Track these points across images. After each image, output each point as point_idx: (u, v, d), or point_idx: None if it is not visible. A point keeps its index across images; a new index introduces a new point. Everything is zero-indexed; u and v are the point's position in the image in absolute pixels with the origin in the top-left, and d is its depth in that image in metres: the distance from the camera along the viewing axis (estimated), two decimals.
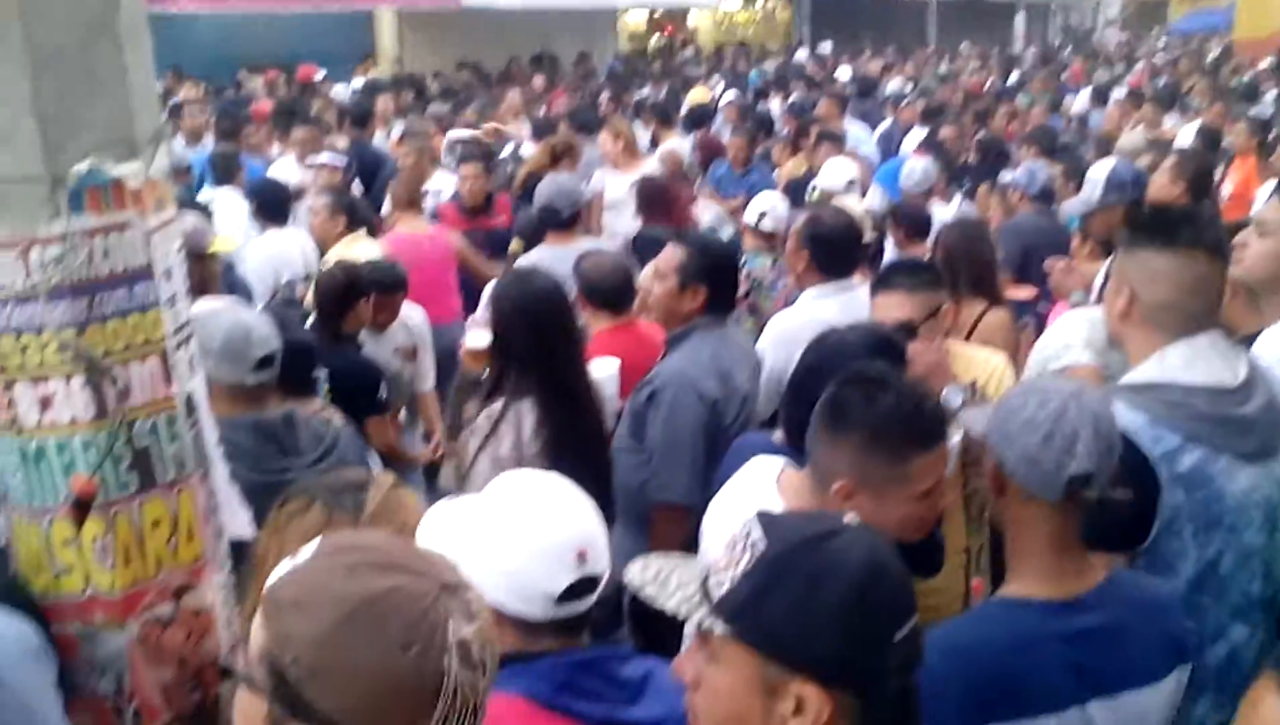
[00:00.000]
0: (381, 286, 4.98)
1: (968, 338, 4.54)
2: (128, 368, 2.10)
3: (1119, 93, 13.83)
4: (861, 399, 2.17)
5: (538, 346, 3.31)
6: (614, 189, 7.92)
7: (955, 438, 2.92)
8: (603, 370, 3.80)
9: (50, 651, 2.09)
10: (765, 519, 1.46)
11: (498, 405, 3.30)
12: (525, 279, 3.47)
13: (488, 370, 3.48)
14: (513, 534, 1.78)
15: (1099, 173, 5.00)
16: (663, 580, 1.50)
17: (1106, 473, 2.01)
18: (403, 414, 5.29)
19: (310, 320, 5.14)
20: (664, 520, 3.44)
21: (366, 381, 4.71)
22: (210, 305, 2.83)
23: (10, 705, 1.98)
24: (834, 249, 4.32)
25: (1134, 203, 4.10)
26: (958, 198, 7.76)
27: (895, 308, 3.35)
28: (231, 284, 5.67)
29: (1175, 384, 2.45)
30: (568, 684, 1.77)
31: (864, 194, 7.73)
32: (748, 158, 9.08)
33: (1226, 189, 8.57)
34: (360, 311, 4.91)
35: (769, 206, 5.74)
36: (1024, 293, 5.14)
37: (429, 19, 18.17)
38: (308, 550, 1.27)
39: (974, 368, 3.27)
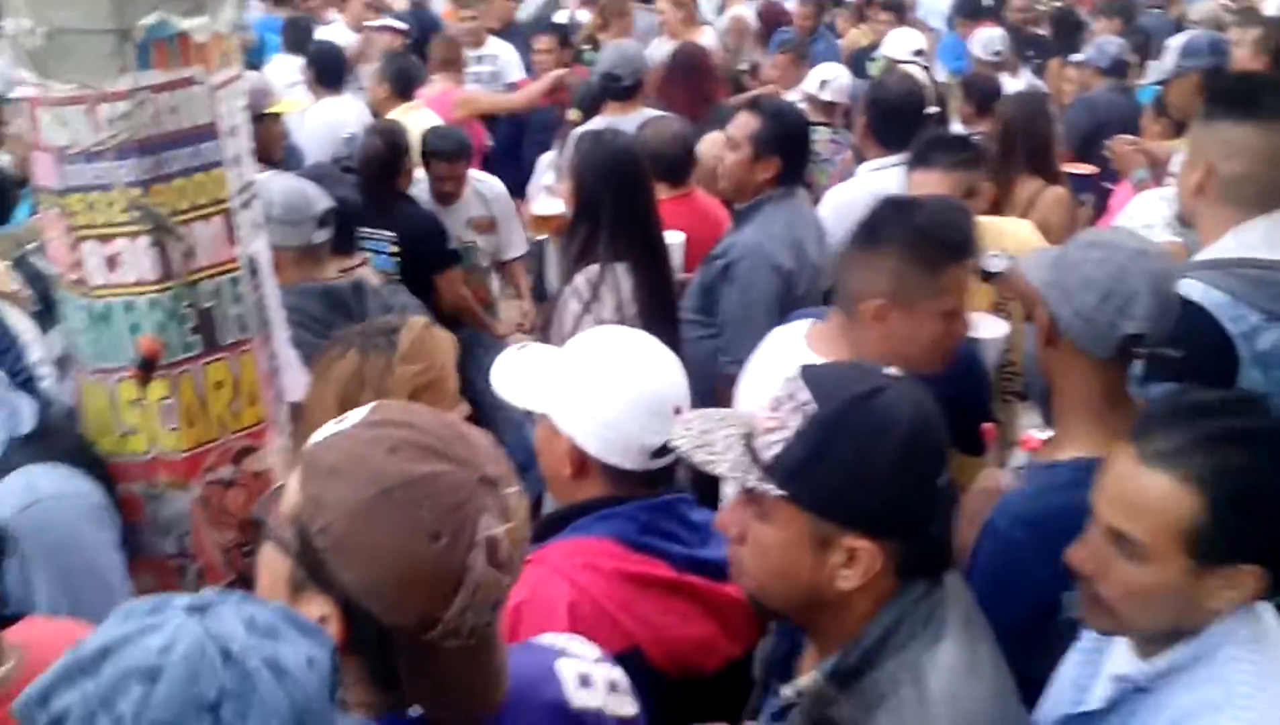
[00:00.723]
0: (439, 154, 4.91)
1: (1023, 214, 4.44)
2: (192, 227, 2.07)
3: None
4: (896, 214, 2.26)
5: (628, 207, 3.30)
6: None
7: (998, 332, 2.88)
8: (668, 240, 3.75)
9: (114, 511, 2.11)
10: (810, 377, 1.46)
11: (595, 269, 3.26)
12: (605, 141, 3.41)
13: (566, 234, 3.44)
14: (613, 387, 1.78)
15: (1177, 40, 4.80)
16: (708, 442, 1.50)
17: (1160, 333, 1.99)
18: (495, 286, 5.22)
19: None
20: (731, 392, 3.39)
21: (431, 233, 4.71)
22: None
23: (76, 566, 2.01)
24: (895, 118, 4.20)
25: (1212, 71, 3.90)
26: (1026, 72, 7.50)
27: (931, 185, 3.27)
28: (286, 150, 5.62)
29: (1254, 260, 2.36)
30: (651, 526, 1.80)
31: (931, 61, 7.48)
32: (814, 27, 8.80)
33: None
34: (408, 173, 4.87)
35: (831, 75, 5.58)
36: (1083, 169, 5.00)
37: None
38: (356, 415, 1.23)
39: (1004, 238, 3.17)
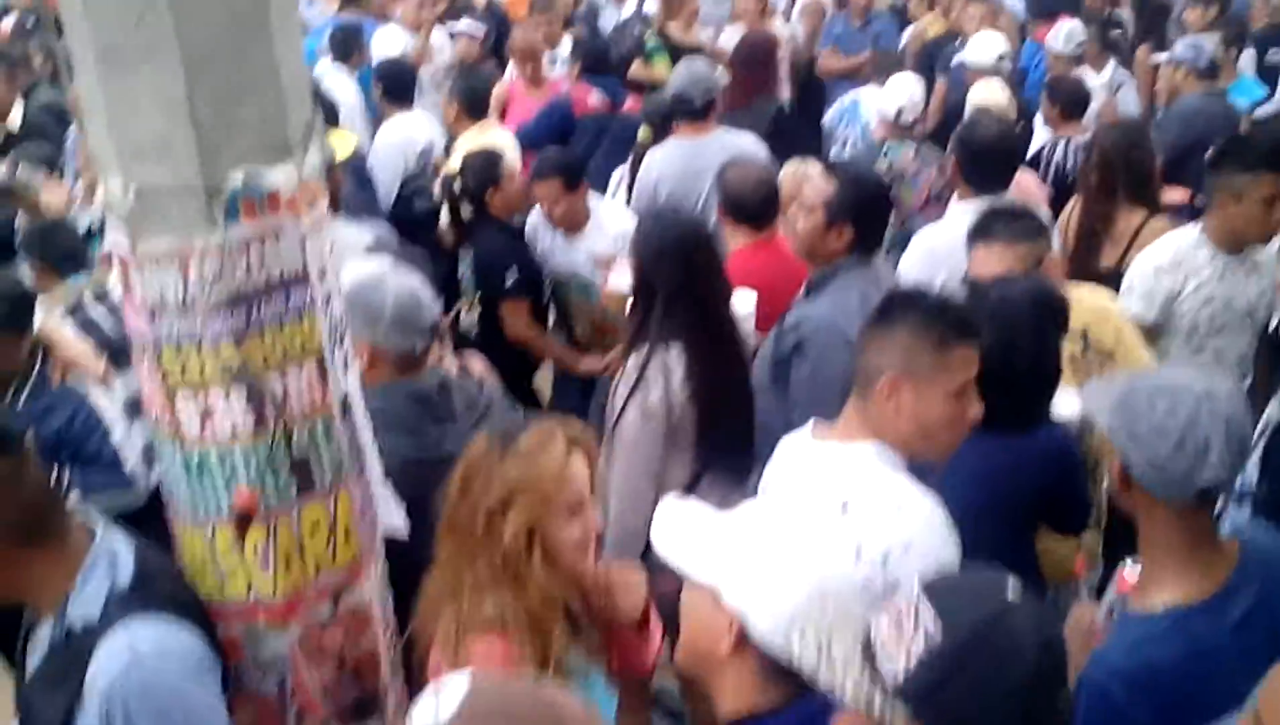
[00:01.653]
0: (539, 174, 4.83)
1: (1128, 249, 4.29)
2: (285, 376, 2.02)
3: None
4: (907, 298, 2.39)
5: (683, 289, 3.20)
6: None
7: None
8: (740, 304, 3.65)
9: (216, 658, 2.08)
10: (934, 595, 1.50)
11: (645, 351, 3.19)
12: (667, 220, 3.34)
13: (630, 313, 3.36)
14: (796, 577, 1.73)
15: None
16: (825, 652, 1.55)
17: (1237, 474, 2.05)
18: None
19: (443, 208, 5.10)
20: None
21: (496, 261, 4.76)
22: (369, 270, 2.72)
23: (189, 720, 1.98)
24: (986, 161, 4.07)
25: None
26: (1111, 64, 7.23)
27: (995, 261, 3.17)
28: (360, 175, 5.58)
29: None
30: None
31: (1015, 61, 7.24)
32: (868, 5, 8.54)
33: None
34: (504, 194, 4.81)
35: (905, 100, 5.36)
36: (1175, 196, 4.81)
37: None
38: (449, 705, 1.23)
39: (1083, 312, 3.05)
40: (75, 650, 1.95)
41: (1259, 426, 2.49)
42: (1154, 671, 1.97)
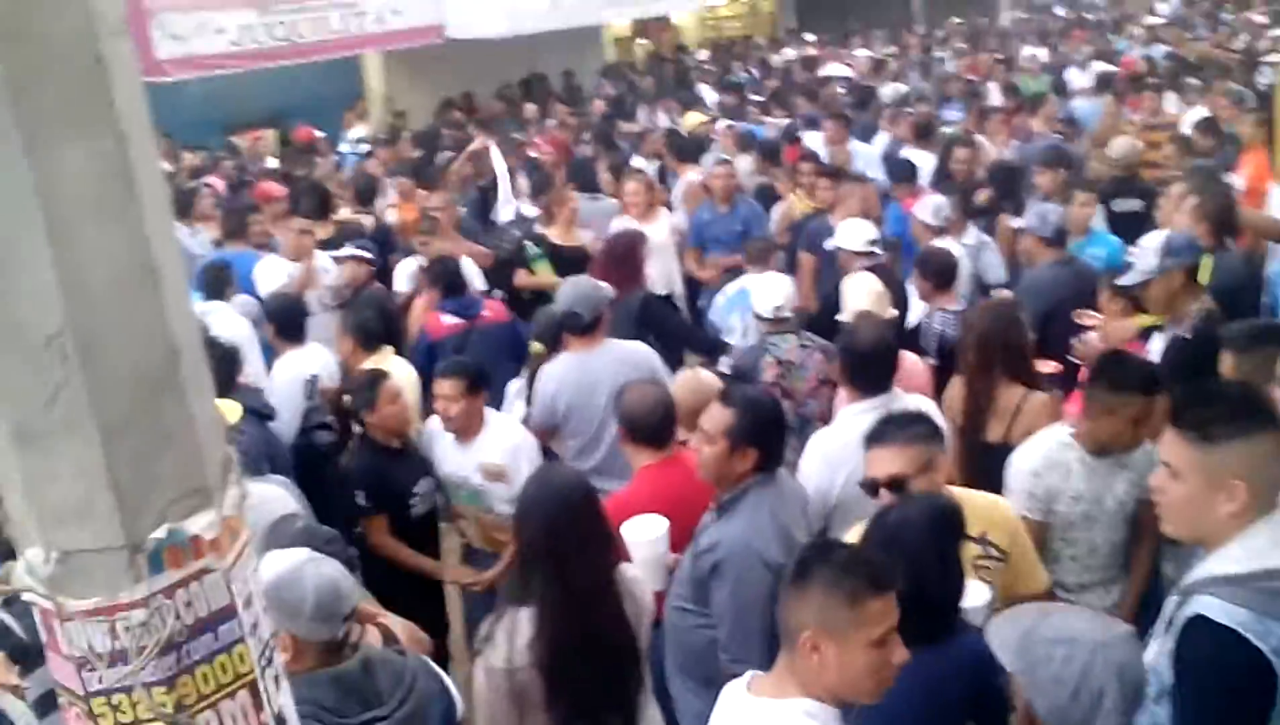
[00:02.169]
0: (442, 373, 5.01)
1: (1012, 423, 4.51)
2: (219, 708, 2.07)
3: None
4: (820, 554, 2.48)
5: (546, 549, 3.18)
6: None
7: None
8: (650, 532, 3.76)
9: None
10: None
11: (502, 612, 3.22)
12: (545, 478, 3.41)
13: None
14: None
15: (1153, 241, 4.98)
16: None
17: (1132, 715, 2.12)
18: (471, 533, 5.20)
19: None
20: None
21: (350, 484, 5.14)
22: (287, 563, 2.77)
23: None
24: (869, 365, 4.29)
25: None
26: (972, 229, 7.69)
27: (888, 462, 3.38)
28: (263, 412, 5.63)
29: (1270, 570, 2.43)
30: None
31: (878, 224, 7.66)
32: (733, 189, 8.90)
33: (1239, 182, 8.52)
34: (380, 414, 4.96)
35: (781, 298, 5.63)
36: (1049, 367, 5.11)
37: (415, 55, 18.04)
38: None
39: (978, 518, 3.25)
40: None
41: (1163, 619, 2.63)
42: None
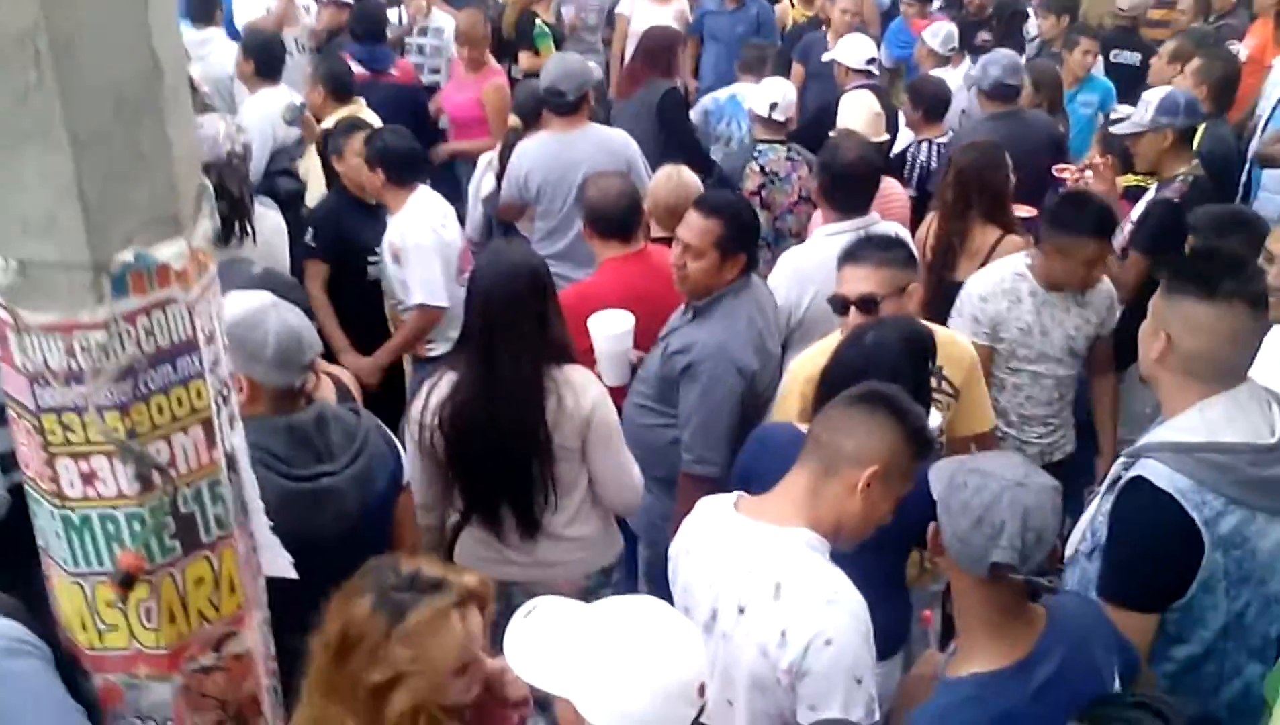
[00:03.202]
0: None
1: (982, 263, 4.51)
2: (171, 440, 2.05)
3: None
4: (893, 401, 2.40)
5: (480, 321, 3.17)
6: (645, 18, 7.64)
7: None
8: (616, 326, 3.72)
9: (39, 643, 2.14)
10: None
11: (432, 371, 3.23)
12: (497, 253, 3.34)
13: None
14: (638, 677, 1.79)
15: (1154, 96, 4.86)
16: None
17: (1035, 561, 2.12)
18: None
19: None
20: (695, 489, 3.25)
21: (303, 224, 4.99)
22: (252, 305, 2.70)
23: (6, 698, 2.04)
24: (848, 185, 4.21)
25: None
26: (966, 61, 7.49)
27: (861, 281, 3.35)
28: None
29: (1219, 444, 2.47)
30: None
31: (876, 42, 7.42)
32: None
33: (1242, 51, 8.37)
34: (346, 165, 4.89)
35: (779, 96, 5.47)
36: (1025, 211, 5.07)
37: None
38: None
39: (940, 352, 3.24)
40: None
41: (1105, 482, 2.68)
42: None
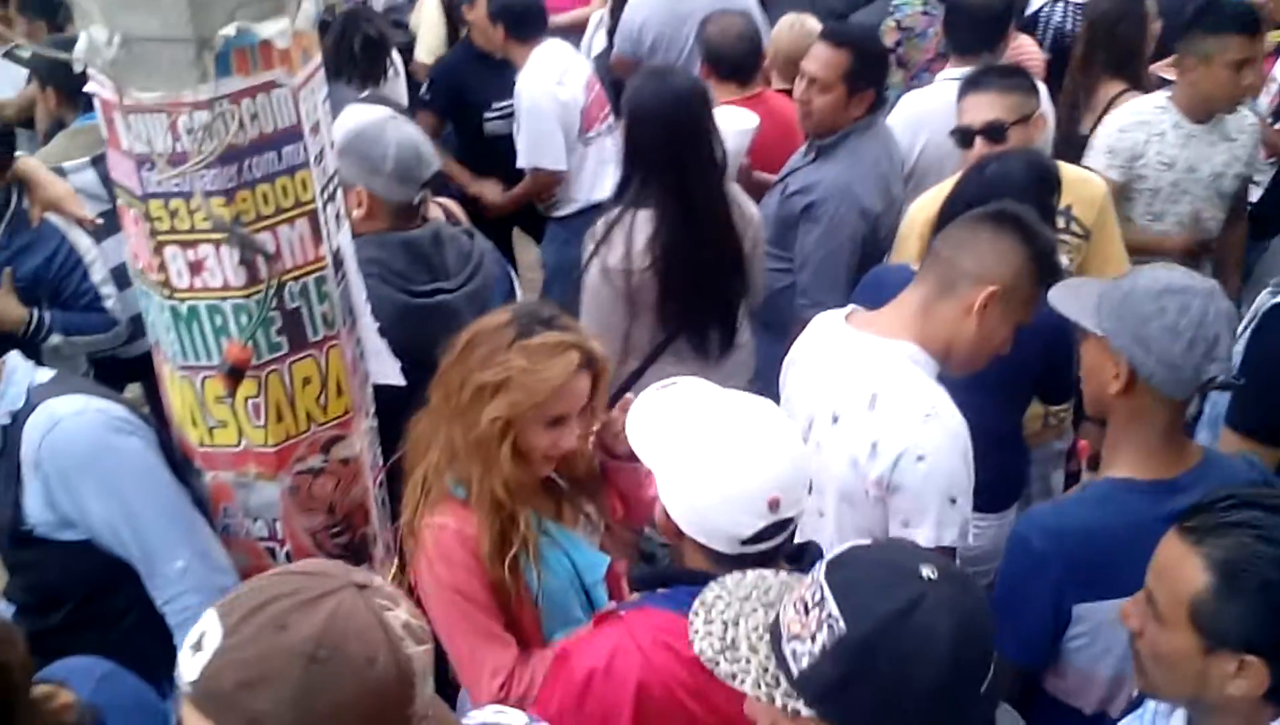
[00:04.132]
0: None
1: (1099, 118, 4.28)
2: (277, 232, 2.02)
3: None
4: (1020, 221, 2.25)
5: (666, 153, 3.08)
6: None
7: None
8: (741, 122, 3.60)
9: (144, 423, 2.20)
10: (838, 586, 1.35)
11: (615, 211, 3.15)
12: (662, 78, 3.22)
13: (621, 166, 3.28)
14: (707, 474, 1.72)
15: None
16: (731, 643, 1.41)
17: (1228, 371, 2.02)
18: None
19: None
20: None
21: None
22: (369, 118, 2.65)
23: (112, 468, 2.11)
24: (975, 25, 3.97)
25: None
26: None
27: (985, 108, 3.16)
28: None
29: None
30: None
31: None
32: None
33: None
34: (475, 13, 4.75)
35: None
36: (1171, 73, 4.75)
37: None
38: (215, 634, 1.17)
39: (1069, 191, 3.05)
40: (9, 439, 2.12)
41: (1248, 314, 2.53)
42: (1079, 532, 2.05)
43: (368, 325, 2.29)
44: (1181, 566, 1.53)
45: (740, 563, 1.67)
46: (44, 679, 1.62)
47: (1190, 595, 1.51)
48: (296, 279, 2.07)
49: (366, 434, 2.34)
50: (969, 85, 3.24)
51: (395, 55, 4.29)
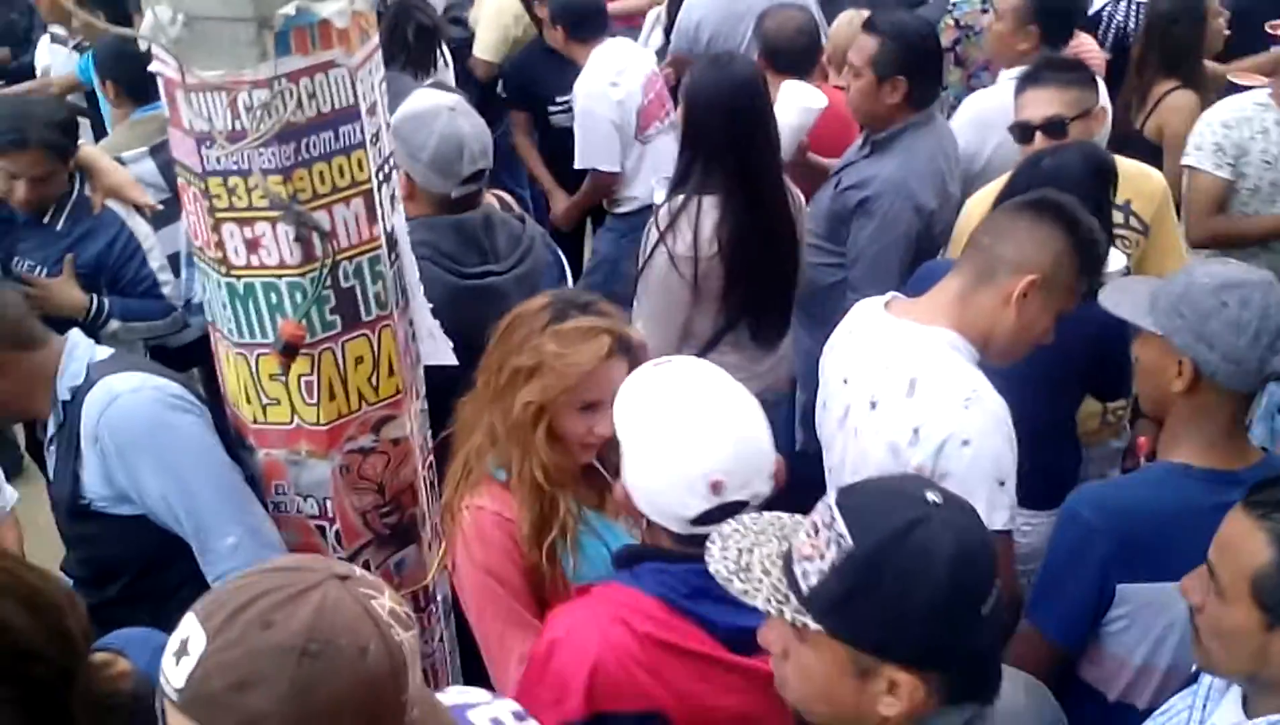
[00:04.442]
0: None
1: (1149, 114, 4.23)
2: (333, 211, 2.04)
3: None
4: (1062, 209, 2.23)
5: (728, 140, 3.11)
6: None
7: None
8: (810, 100, 3.60)
9: (200, 403, 2.28)
10: (846, 505, 1.40)
11: (679, 199, 3.16)
12: (723, 65, 3.23)
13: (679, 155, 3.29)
14: (653, 454, 1.75)
15: None
16: (745, 566, 1.45)
17: None
18: None
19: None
20: None
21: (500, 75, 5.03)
22: (426, 104, 2.68)
23: (168, 444, 2.19)
24: (1053, 15, 3.94)
25: None
26: None
27: (1045, 103, 3.14)
28: None
29: None
30: (701, 591, 1.74)
31: None
32: None
33: None
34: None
35: None
36: (1251, 80, 4.68)
37: None
38: (199, 638, 1.16)
39: (1125, 184, 3.01)
40: (70, 414, 2.20)
41: None
42: (1132, 510, 2.05)
43: (420, 306, 2.31)
44: (1246, 541, 1.53)
45: (694, 541, 1.67)
46: (103, 647, 1.66)
47: (1254, 570, 1.51)
48: (351, 259, 2.09)
49: (418, 416, 2.36)
50: (1027, 80, 3.22)
51: (444, 47, 4.33)
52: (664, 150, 4.50)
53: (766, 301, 3.23)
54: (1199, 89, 4.33)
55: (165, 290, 3.41)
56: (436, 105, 2.67)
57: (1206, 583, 1.62)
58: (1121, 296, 2.17)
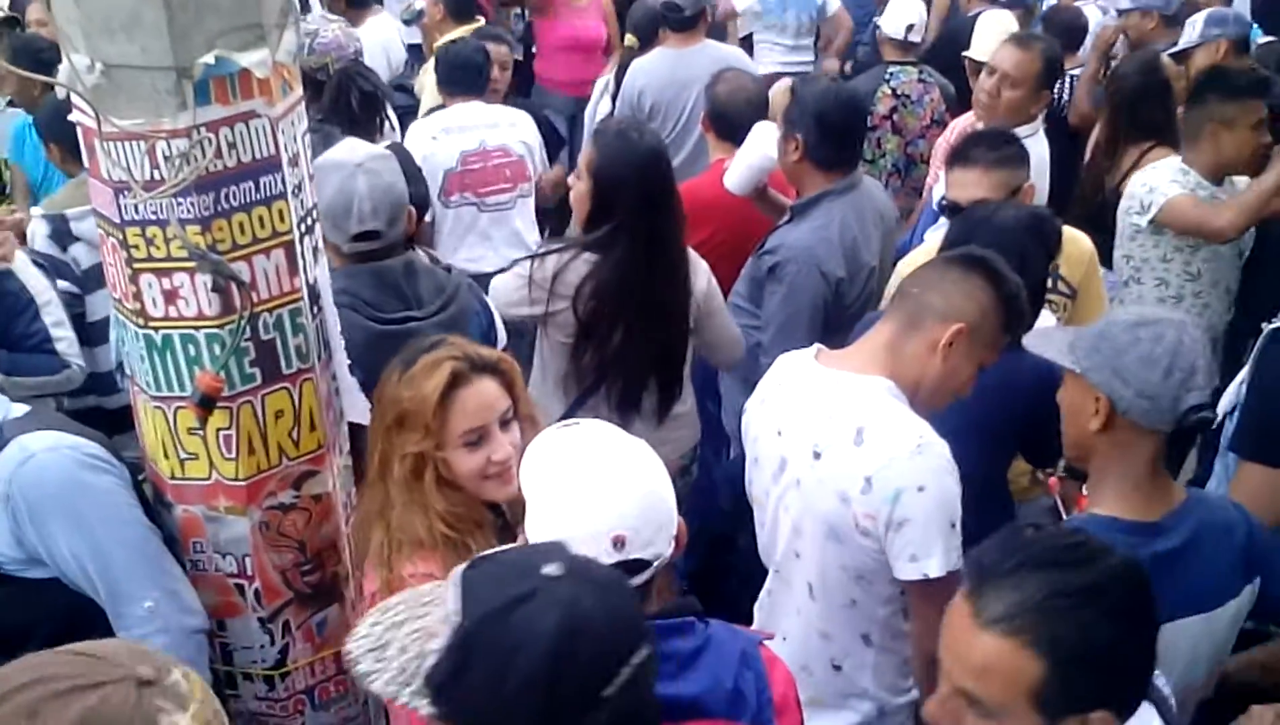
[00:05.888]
0: None
1: (1128, 173, 4.30)
2: (253, 262, 2.03)
3: None
4: (989, 265, 2.25)
5: (636, 205, 3.02)
6: None
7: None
8: (764, 135, 3.60)
9: (116, 461, 2.17)
10: (466, 580, 1.35)
11: (557, 246, 3.11)
12: (628, 135, 3.15)
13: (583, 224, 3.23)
14: (556, 509, 1.70)
15: (1197, 16, 4.79)
16: (383, 644, 1.38)
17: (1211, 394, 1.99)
18: None
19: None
20: None
21: None
22: (334, 157, 2.67)
23: (82, 507, 2.08)
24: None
25: None
26: None
27: (972, 185, 3.13)
28: None
29: None
30: None
31: None
32: None
33: None
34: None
35: (915, 17, 5.29)
36: None
37: None
38: None
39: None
40: None
41: (1254, 350, 2.57)
42: None
43: (341, 362, 2.28)
44: (1007, 662, 1.44)
45: None
46: None
47: (1028, 685, 1.43)
48: (271, 310, 2.07)
49: (341, 471, 2.33)
50: (956, 158, 3.25)
51: (390, 112, 4.35)
52: (466, 223, 4.50)
53: (646, 372, 3.15)
54: (1176, 146, 4.40)
55: (60, 346, 3.30)
56: (345, 160, 2.66)
57: (958, 706, 1.50)
58: (1043, 339, 2.19)
